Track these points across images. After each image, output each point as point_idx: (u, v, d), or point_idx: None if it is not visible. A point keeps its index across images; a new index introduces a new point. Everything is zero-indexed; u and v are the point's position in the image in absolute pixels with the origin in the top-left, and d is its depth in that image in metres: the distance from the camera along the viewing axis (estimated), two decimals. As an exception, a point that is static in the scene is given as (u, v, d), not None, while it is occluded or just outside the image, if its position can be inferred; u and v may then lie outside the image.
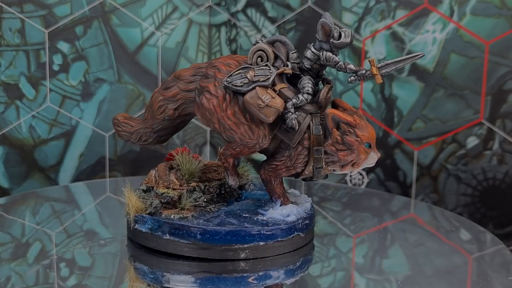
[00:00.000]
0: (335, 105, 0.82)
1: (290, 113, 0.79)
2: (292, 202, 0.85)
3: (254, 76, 0.80)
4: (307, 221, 0.84)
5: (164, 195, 0.83)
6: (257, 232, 0.79)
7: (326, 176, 0.83)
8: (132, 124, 0.90)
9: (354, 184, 1.24)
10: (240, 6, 1.29)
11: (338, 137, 0.79)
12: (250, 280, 0.75)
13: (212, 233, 0.78)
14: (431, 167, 1.18)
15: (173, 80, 0.86)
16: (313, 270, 0.80)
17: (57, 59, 1.18)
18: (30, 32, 1.14)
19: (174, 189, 0.84)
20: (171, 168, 0.88)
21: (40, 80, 1.17)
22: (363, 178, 1.23)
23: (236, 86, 0.80)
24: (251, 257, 0.79)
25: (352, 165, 0.80)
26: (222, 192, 0.87)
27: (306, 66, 0.81)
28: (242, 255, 0.79)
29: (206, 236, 0.79)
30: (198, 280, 0.76)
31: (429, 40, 1.15)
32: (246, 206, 0.86)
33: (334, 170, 0.81)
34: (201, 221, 0.81)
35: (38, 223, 0.93)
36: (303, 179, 0.83)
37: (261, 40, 0.83)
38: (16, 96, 1.15)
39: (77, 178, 1.22)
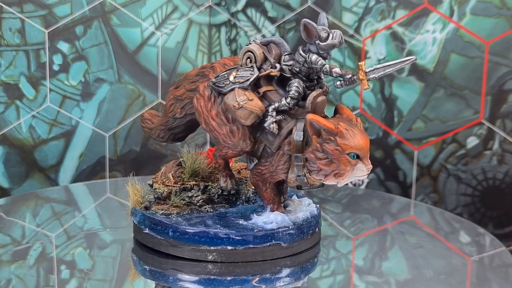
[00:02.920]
0: (336, 112, 0.79)
1: (270, 117, 0.77)
2: (286, 210, 0.83)
3: (235, 77, 0.79)
4: (291, 231, 0.80)
5: (156, 190, 0.85)
6: (225, 236, 0.78)
7: (322, 185, 0.79)
8: (154, 121, 0.92)
9: (354, 185, 1.24)
10: (240, 6, 1.29)
11: (318, 145, 0.74)
12: (253, 282, 0.75)
13: (182, 232, 0.79)
14: (431, 167, 1.18)
15: (182, 79, 0.87)
16: (312, 274, 0.80)
17: (57, 59, 1.18)
18: (30, 32, 1.14)
19: (167, 185, 0.85)
20: (179, 165, 0.89)
21: (40, 80, 1.17)
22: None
23: (219, 86, 0.79)
24: (219, 261, 0.78)
25: (335, 175, 0.74)
26: (225, 193, 0.87)
27: (295, 68, 0.78)
28: (210, 257, 0.78)
29: (176, 234, 0.79)
30: (170, 277, 0.77)
31: (429, 40, 1.15)
32: (245, 211, 0.85)
33: (321, 179, 0.76)
34: (179, 219, 0.81)
35: (38, 224, 0.93)
36: (297, 187, 0.80)
37: (254, 41, 0.81)
38: (16, 96, 1.15)
39: (77, 178, 1.22)
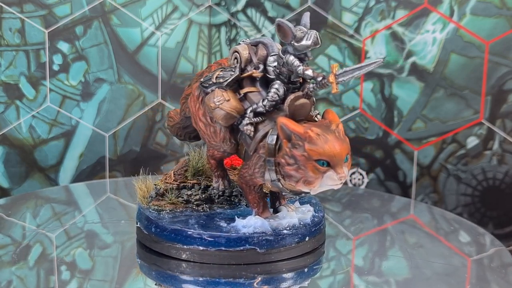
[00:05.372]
0: (322, 116, 0.75)
1: (247, 119, 0.76)
2: (273, 215, 0.80)
3: (216, 77, 0.78)
4: (269, 237, 0.78)
5: (156, 186, 0.86)
6: (197, 236, 0.77)
7: (305, 192, 0.75)
8: (175, 119, 0.92)
9: (354, 184, 1.24)
10: (240, 6, 1.29)
11: (287, 150, 0.71)
12: (255, 284, 0.74)
13: (162, 228, 0.80)
14: (431, 167, 1.18)
15: (193, 78, 0.87)
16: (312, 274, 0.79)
17: (57, 59, 1.18)
18: (30, 32, 1.14)
19: (166, 182, 0.87)
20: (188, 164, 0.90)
21: (40, 80, 1.17)
22: (363, 178, 1.23)
23: (204, 86, 0.79)
24: (192, 260, 0.78)
25: (304, 182, 0.71)
26: (226, 194, 0.87)
27: (276, 70, 0.76)
28: (184, 256, 0.78)
29: (157, 230, 0.80)
30: (153, 272, 0.78)
31: (429, 40, 1.15)
32: (241, 213, 0.83)
33: (294, 185, 0.73)
34: (166, 216, 0.82)
35: (38, 225, 0.93)
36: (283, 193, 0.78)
37: (243, 41, 0.81)
38: (16, 96, 1.15)
39: (77, 178, 1.23)
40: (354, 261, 0.84)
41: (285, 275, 0.78)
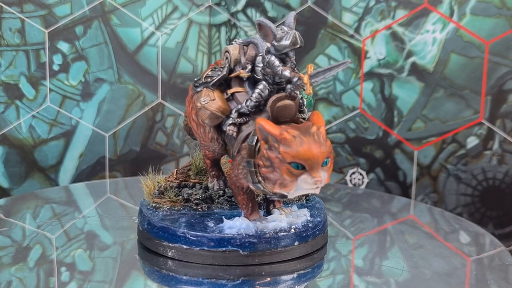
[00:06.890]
0: (308, 119, 0.74)
1: (231, 119, 0.75)
2: (261, 217, 0.79)
3: (205, 77, 0.78)
4: (252, 240, 0.76)
5: (158, 184, 0.87)
6: (182, 234, 0.78)
7: (285, 195, 0.73)
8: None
9: (354, 184, 1.24)
10: (240, 6, 1.29)
11: (264, 151, 0.70)
12: (256, 284, 0.74)
13: (152, 225, 0.80)
14: (431, 167, 1.18)
15: None
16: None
17: (57, 59, 1.18)
18: (30, 32, 1.14)
19: (168, 180, 0.88)
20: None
21: (40, 80, 1.17)
22: (363, 178, 1.23)
23: (194, 86, 0.79)
24: (177, 258, 0.79)
25: (280, 185, 0.70)
26: (227, 194, 0.87)
27: (262, 71, 0.75)
28: (169, 254, 0.79)
29: (149, 227, 0.81)
30: (146, 268, 0.80)
31: (429, 40, 1.15)
32: (233, 214, 0.82)
33: (272, 188, 0.71)
34: (160, 213, 0.82)
35: (38, 226, 0.93)
36: (271, 197, 0.76)
37: (235, 41, 0.80)
38: (16, 96, 1.15)
39: (77, 178, 1.23)
40: (354, 262, 0.84)
41: (267, 280, 0.76)
